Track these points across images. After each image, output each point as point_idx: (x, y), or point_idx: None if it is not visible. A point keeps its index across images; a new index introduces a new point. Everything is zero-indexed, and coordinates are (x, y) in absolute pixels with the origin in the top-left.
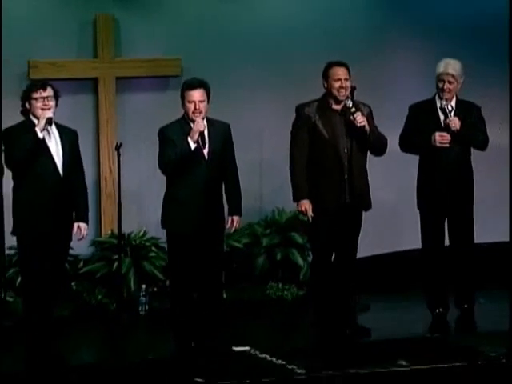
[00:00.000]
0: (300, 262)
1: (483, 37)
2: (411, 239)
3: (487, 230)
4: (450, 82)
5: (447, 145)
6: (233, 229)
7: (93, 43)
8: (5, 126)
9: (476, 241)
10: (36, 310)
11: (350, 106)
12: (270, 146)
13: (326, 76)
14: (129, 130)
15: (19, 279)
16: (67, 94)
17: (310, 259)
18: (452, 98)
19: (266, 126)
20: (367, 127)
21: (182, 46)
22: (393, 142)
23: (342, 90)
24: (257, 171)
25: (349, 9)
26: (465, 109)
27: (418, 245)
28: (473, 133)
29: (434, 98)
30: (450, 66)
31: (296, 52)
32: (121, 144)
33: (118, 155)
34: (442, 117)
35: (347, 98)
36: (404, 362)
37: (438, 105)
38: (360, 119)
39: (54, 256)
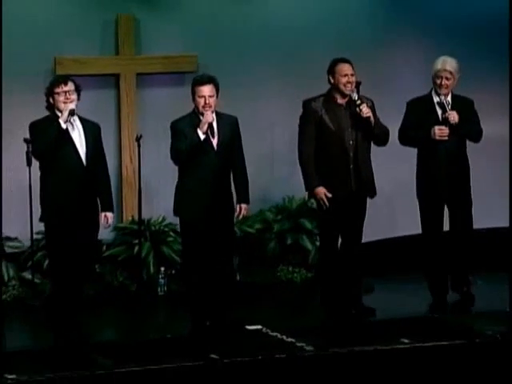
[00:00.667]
0: (309, 246)
1: (482, 36)
2: (412, 225)
3: (485, 216)
4: (447, 79)
5: (446, 138)
6: (241, 216)
7: (115, 41)
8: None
9: (475, 226)
10: (63, 291)
11: (356, 98)
12: (281, 138)
13: (332, 72)
14: (148, 122)
15: (46, 262)
16: (91, 89)
17: (318, 244)
18: (448, 93)
19: (277, 119)
20: (372, 118)
21: (198, 44)
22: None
23: (349, 85)
24: (269, 161)
25: (355, 9)
26: (460, 103)
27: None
28: (469, 125)
29: (430, 93)
30: (448, 64)
31: (306, 49)
32: (141, 136)
33: (138, 146)
34: (439, 111)
35: (353, 91)
36: (406, 340)
37: (436, 100)
38: (366, 111)
39: (80, 241)
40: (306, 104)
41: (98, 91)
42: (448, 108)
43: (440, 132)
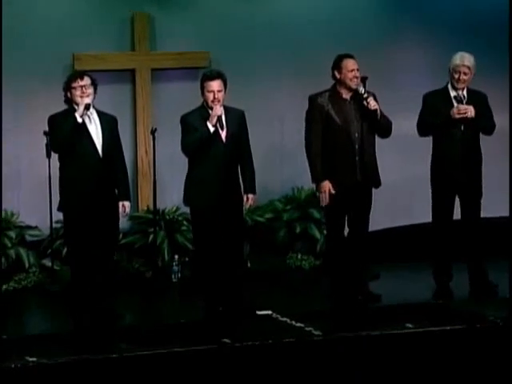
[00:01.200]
0: (317, 234)
1: (483, 33)
2: (420, 214)
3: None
4: (465, 73)
5: (465, 115)
6: (247, 205)
7: (131, 38)
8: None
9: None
10: (82, 278)
11: (363, 92)
12: (290, 131)
13: (338, 67)
14: (163, 116)
15: (65, 250)
16: (108, 84)
17: (325, 232)
18: (465, 87)
19: (286, 112)
20: (379, 111)
21: (210, 41)
22: (396, 127)
23: (355, 80)
24: (278, 153)
25: (360, 8)
26: (475, 97)
27: (418, 220)
28: (484, 120)
29: (446, 87)
30: (466, 59)
31: (314, 46)
32: (155, 129)
33: (153, 139)
34: (455, 105)
35: (359, 85)
36: (410, 325)
37: (452, 94)
38: (373, 103)
39: (98, 229)
40: (313, 99)
41: (114, 86)
42: (463, 102)
43: (458, 111)
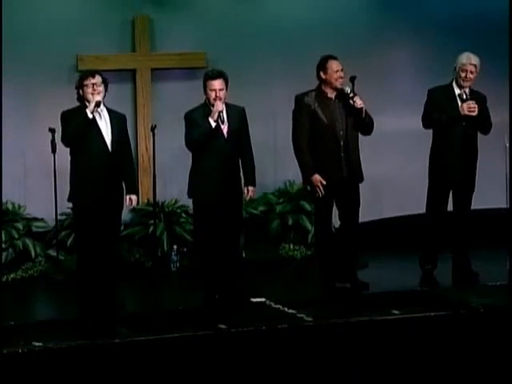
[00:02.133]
0: (308, 226)
1: (468, 33)
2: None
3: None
4: (471, 72)
5: (474, 113)
6: (248, 197)
7: (131, 39)
8: (57, 112)
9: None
10: (87, 266)
11: (349, 91)
12: (283, 127)
13: (324, 68)
14: (162, 113)
15: (69, 240)
16: (110, 83)
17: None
18: (470, 86)
19: (279, 110)
20: (365, 109)
21: (207, 42)
22: (382, 124)
23: (340, 80)
24: (272, 148)
25: (352, 9)
26: (476, 97)
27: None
28: (483, 118)
29: (451, 84)
30: (472, 58)
31: (306, 46)
32: (155, 126)
33: (153, 135)
34: (459, 102)
35: (344, 85)
36: (396, 312)
37: (457, 92)
38: (359, 102)
39: (105, 220)
40: (299, 98)
41: (116, 85)
42: (467, 100)
43: (468, 107)
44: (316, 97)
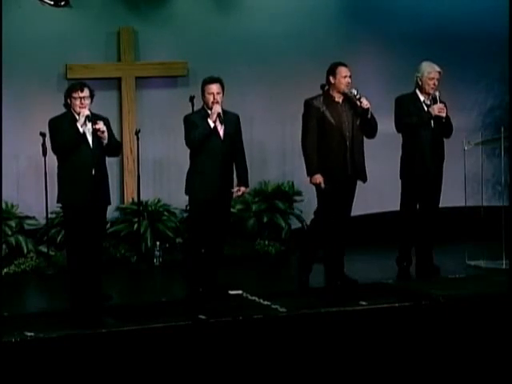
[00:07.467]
0: (282, 224)
1: (434, 43)
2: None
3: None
4: (437, 79)
5: (444, 115)
6: (240, 194)
7: (117, 50)
8: (47, 117)
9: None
10: (76, 261)
11: (355, 93)
12: (258, 131)
13: (333, 73)
14: (146, 119)
15: (59, 237)
16: (96, 91)
17: (290, 222)
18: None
19: (256, 115)
20: (371, 109)
21: (188, 52)
22: None
23: (348, 85)
24: (247, 151)
25: (323, 20)
26: (438, 102)
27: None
28: (448, 121)
29: (415, 92)
30: (436, 66)
31: (282, 56)
32: (139, 130)
33: (137, 139)
34: (425, 107)
35: (351, 87)
36: (364, 303)
37: (422, 98)
38: (365, 102)
39: (92, 219)
40: (309, 102)
41: (102, 92)
42: (438, 101)
43: (438, 108)
44: (324, 100)
